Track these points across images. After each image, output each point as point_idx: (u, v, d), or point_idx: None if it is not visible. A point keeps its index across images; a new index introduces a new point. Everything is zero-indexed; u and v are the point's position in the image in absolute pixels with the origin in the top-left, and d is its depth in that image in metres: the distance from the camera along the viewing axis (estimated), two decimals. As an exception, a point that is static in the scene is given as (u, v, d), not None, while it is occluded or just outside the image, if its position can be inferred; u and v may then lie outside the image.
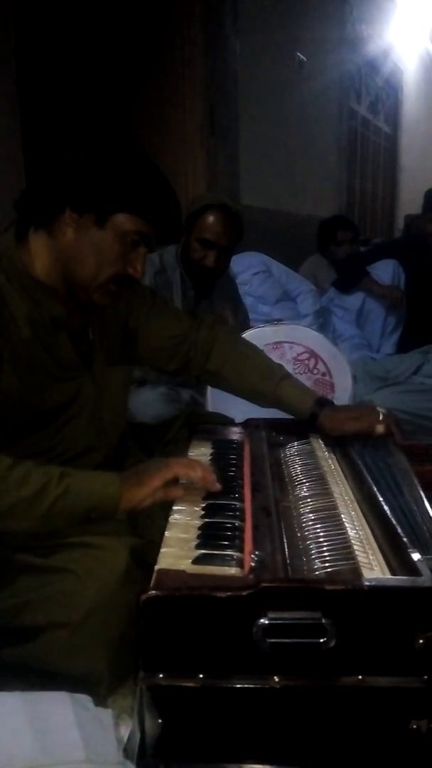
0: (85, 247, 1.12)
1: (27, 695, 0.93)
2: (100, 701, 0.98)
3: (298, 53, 4.05)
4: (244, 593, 0.77)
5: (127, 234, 1.13)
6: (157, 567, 0.88)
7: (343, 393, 2.03)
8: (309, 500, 1.11)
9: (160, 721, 0.81)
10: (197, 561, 0.89)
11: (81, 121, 3.23)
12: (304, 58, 4.07)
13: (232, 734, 0.81)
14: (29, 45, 2.20)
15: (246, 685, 0.80)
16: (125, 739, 0.94)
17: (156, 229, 1.17)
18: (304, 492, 1.15)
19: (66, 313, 1.18)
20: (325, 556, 0.91)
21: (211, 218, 2.00)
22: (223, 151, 3.39)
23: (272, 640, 0.77)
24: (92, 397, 1.25)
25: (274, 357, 2.04)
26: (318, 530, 0.99)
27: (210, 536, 0.97)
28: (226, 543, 0.94)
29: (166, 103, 3.24)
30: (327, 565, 0.88)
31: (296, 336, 2.09)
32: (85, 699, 0.95)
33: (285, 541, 0.95)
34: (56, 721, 0.88)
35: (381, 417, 1.34)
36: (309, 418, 1.40)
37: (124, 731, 0.96)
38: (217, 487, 1.11)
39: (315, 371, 2.08)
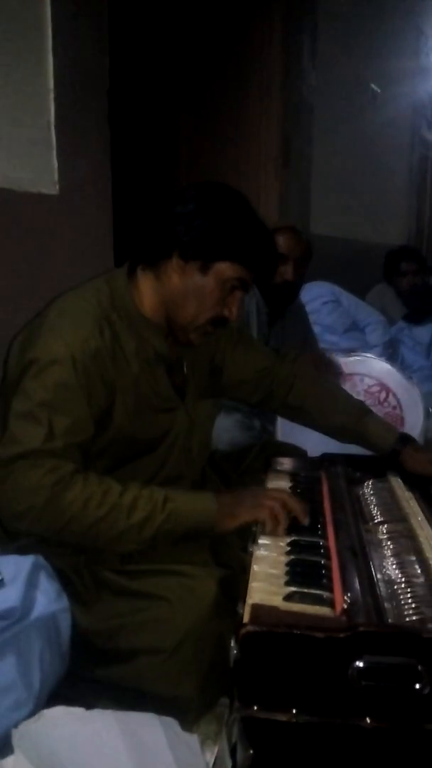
0: (188, 291, 1.19)
1: (119, 714, 0.98)
2: (186, 726, 1.02)
3: (372, 85, 4.08)
4: (341, 635, 0.80)
5: (228, 280, 1.20)
6: (250, 601, 0.91)
7: (413, 428, 2.03)
8: (392, 542, 1.13)
9: (251, 751, 0.84)
10: (289, 598, 0.93)
11: (161, 157, 3.36)
12: (378, 90, 4.10)
13: (321, 770, 0.84)
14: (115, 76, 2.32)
15: (337, 723, 0.82)
16: (210, 765, 0.98)
17: (255, 274, 1.24)
18: (386, 533, 1.17)
19: (167, 348, 1.26)
20: (414, 601, 0.92)
21: (280, 237, 2.11)
22: (295, 181, 3.45)
23: (366, 683, 0.80)
24: (184, 428, 1.32)
25: (345, 388, 2.08)
26: (404, 573, 1.01)
27: (298, 573, 1.00)
28: (315, 581, 0.98)
29: (243, 132, 3.32)
30: (417, 610, 0.90)
31: (368, 368, 2.11)
32: (173, 722, 1.00)
33: (373, 583, 0.97)
34: (150, 743, 0.93)
35: None
36: (390, 455, 1.42)
37: (209, 757, 1.01)
38: (305, 522, 1.15)
39: (385, 404, 2.09)
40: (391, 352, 2.95)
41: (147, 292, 1.22)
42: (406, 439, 1.43)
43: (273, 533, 1.13)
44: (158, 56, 3.25)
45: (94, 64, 2.18)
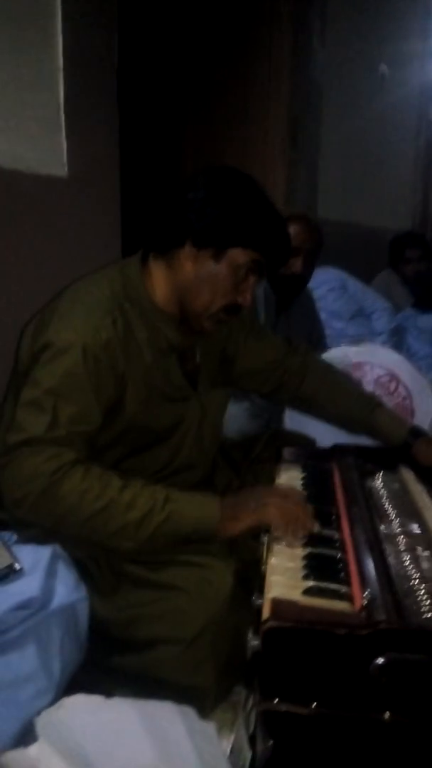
0: (202, 279, 1.18)
1: (137, 703, 1.00)
2: (203, 714, 1.04)
3: (383, 64, 4.03)
4: (363, 632, 0.82)
5: (241, 266, 1.19)
6: (270, 595, 0.93)
7: (424, 418, 2.03)
8: (406, 537, 1.14)
9: (271, 743, 0.86)
10: (308, 592, 0.94)
11: (168, 138, 3.31)
12: (387, 72, 4.05)
13: (339, 763, 0.86)
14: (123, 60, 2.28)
15: (357, 717, 0.84)
16: (227, 753, 1.00)
17: (268, 259, 1.23)
18: (399, 527, 1.18)
19: (180, 338, 1.25)
20: (429, 597, 0.94)
21: (293, 227, 2.06)
22: (303, 163, 3.41)
23: (387, 678, 0.81)
24: (197, 417, 1.32)
25: (356, 377, 2.08)
26: (419, 569, 1.02)
27: (316, 567, 1.02)
28: (332, 575, 0.99)
29: (250, 114, 3.28)
30: (434, 606, 0.92)
31: (378, 357, 2.11)
32: (190, 711, 1.01)
33: (390, 578, 0.99)
34: (170, 730, 0.94)
35: None
36: (402, 447, 1.43)
37: (225, 745, 1.02)
38: (315, 528, 1.13)
39: (395, 394, 2.09)
40: (396, 340, 2.94)
41: (159, 281, 1.21)
42: (417, 432, 1.44)
43: (286, 542, 1.10)
44: (165, 38, 3.19)
45: (103, 45, 2.14)
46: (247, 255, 1.18)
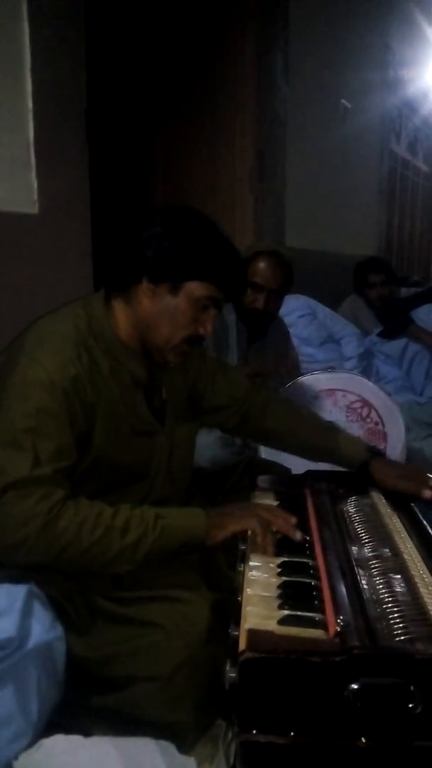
0: (160, 313, 1.21)
1: (117, 740, 0.99)
2: (184, 749, 1.04)
3: (343, 100, 4.17)
4: (337, 659, 0.83)
5: (199, 300, 1.22)
6: (246, 626, 0.94)
7: (396, 442, 2.07)
8: (378, 561, 1.15)
9: (251, 774, 0.86)
10: (283, 622, 0.95)
11: (139, 175, 3.37)
12: (348, 105, 4.19)
13: (318, 791, 0.87)
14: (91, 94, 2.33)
15: (334, 744, 0.85)
16: (208, 786, 1.00)
17: (224, 292, 1.26)
18: (371, 551, 1.19)
19: (145, 373, 1.28)
20: (402, 622, 0.95)
21: (261, 264, 2.10)
22: (270, 195, 3.50)
23: (361, 704, 0.83)
24: (166, 452, 1.34)
25: (328, 403, 2.12)
26: (392, 594, 1.04)
27: (290, 596, 1.03)
28: (307, 603, 1.00)
29: (218, 150, 3.37)
30: (406, 630, 0.93)
31: (350, 384, 2.15)
32: (170, 746, 1.02)
33: (363, 603, 1.00)
34: (148, 767, 0.94)
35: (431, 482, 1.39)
36: (360, 468, 1.46)
37: (206, 779, 1.02)
38: (298, 536, 1.18)
39: (368, 420, 2.13)
40: (365, 364, 3.01)
41: (121, 317, 1.24)
42: (375, 453, 1.48)
43: (262, 546, 1.15)
44: (133, 75, 3.27)
45: (72, 83, 2.20)
46: (204, 288, 1.21)
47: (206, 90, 3.35)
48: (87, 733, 1.00)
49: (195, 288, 1.21)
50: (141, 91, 3.34)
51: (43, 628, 1.05)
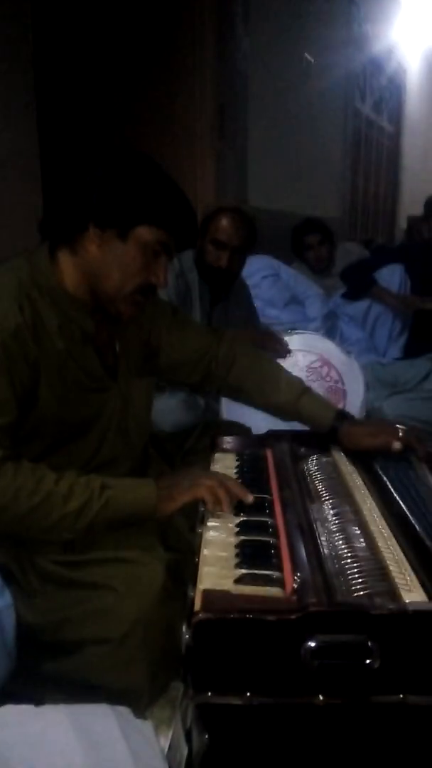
0: (109, 261, 1.15)
1: (70, 708, 0.96)
2: (139, 713, 1.01)
3: (306, 54, 4.06)
4: (293, 617, 0.80)
5: (148, 245, 1.16)
6: (201, 587, 0.90)
7: (355, 400, 2.06)
8: (338, 518, 1.14)
9: (207, 737, 0.84)
10: (239, 581, 0.92)
11: (93, 129, 3.23)
12: (312, 59, 4.08)
13: (276, 751, 0.85)
14: (42, 48, 2.21)
15: (290, 703, 0.83)
16: (165, 750, 0.98)
17: (175, 237, 1.20)
18: (331, 508, 1.17)
19: (95, 327, 1.21)
20: (361, 577, 0.93)
21: (223, 220, 2.04)
22: (231, 152, 3.40)
23: (318, 661, 0.80)
24: (118, 408, 1.28)
25: (288, 364, 2.08)
26: (351, 549, 1.02)
27: (248, 555, 1.00)
28: (264, 562, 0.97)
29: (177, 104, 3.25)
30: (365, 586, 0.91)
31: (309, 344, 2.13)
32: (126, 711, 0.98)
33: (321, 560, 0.98)
34: (103, 734, 0.91)
35: (400, 434, 1.37)
36: (329, 432, 1.43)
37: (164, 742, 1.00)
38: (250, 499, 1.14)
39: (328, 378, 2.11)
40: (329, 326, 2.98)
41: (68, 269, 1.17)
42: (343, 416, 1.45)
43: (218, 511, 1.12)
44: (88, 23, 3.11)
45: (18, 30, 2.07)
46: (153, 233, 1.15)
47: (165, 43, 3.21)
48: (39, 702, 0.96)
49: (144, 233, 1.14)
50: (98, 47, 3.18)
51: (-10, 596, 1.01)
